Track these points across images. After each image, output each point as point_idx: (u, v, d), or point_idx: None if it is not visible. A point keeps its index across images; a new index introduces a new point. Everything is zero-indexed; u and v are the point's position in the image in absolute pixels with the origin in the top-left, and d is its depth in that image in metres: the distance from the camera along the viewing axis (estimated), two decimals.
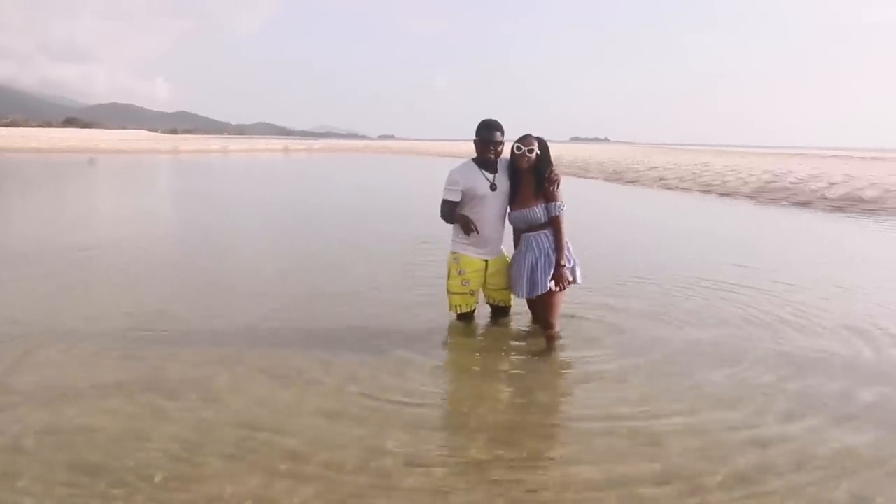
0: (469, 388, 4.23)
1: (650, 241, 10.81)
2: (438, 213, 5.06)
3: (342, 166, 38.61)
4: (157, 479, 2.93)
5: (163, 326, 5.25)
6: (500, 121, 4.93)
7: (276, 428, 3.46)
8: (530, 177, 4.81)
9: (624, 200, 19.62)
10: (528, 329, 5.23)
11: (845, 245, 10.99)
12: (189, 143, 71.58)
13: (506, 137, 4.98)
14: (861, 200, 16.89)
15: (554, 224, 4.75)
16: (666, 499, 2.83)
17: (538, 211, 4.75)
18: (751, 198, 18.83)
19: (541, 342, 4.88)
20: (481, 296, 5.27)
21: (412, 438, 3.37)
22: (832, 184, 20.53)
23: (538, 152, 4.76)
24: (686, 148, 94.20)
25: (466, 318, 5.22)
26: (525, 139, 4.79)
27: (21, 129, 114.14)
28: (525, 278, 4.81)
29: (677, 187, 22.53)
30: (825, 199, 17.63)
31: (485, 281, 5.11)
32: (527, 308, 5.26)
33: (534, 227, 4.81)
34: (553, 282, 4.69)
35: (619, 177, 27.76)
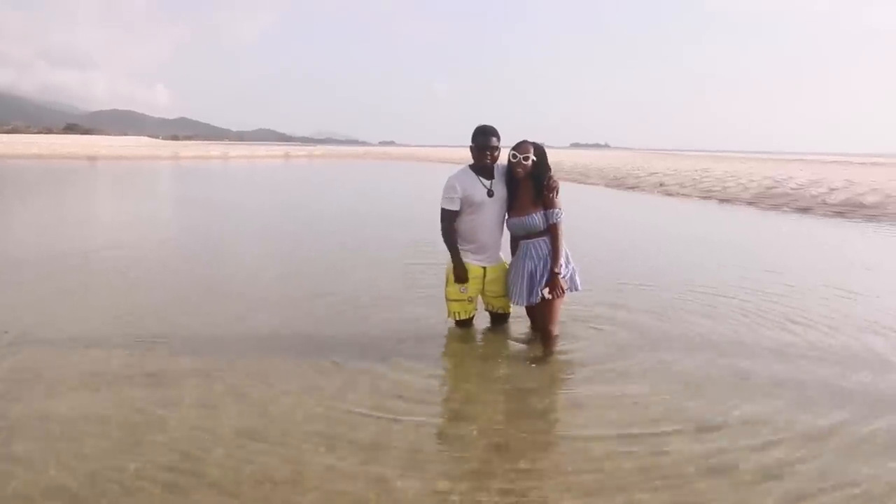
0: (467, 395, 4.21)
1: (651, 246, 10.81)
2: (438, 219, 5.02)
3: (342, 172, 38.65)
4: (154, 486, 2.91)
5: (161, 331, 5.24)
6: (495, 126, 4.92)
7: (273, 435, 3.45)
8: (528, 184, 4.79)
9: (625, 206, 19.61)
10: (526, 336, 5.21)
11: (847, 250, 10.97)
12: (189, 149, 71.66)
13: (505, 143, 4.97)
14: (862, 206, 16.88)
15: (552, 231, 4.74)
16: None
17: (536, 218, 4.74)
18: (751, 204, 18.83)
19: (539, 349, 4.87)
20: (480, 303, 5.26)
21: (411, 446, 3.36)
22: (833, 189, 20.53)
23: (534, 159, 4.74)
24: (686, 154, 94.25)
25: (465, 324, 5.21)
26: (520, 146, 4.77)
27: (22, 135, 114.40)
28: (524, 285, 4.80)
29: (678, 193, 22.53)
30: (826, 204, 17.63)
31: (483, 288, 5.09)
32: (526, 315, 5.24)
33: (532, 234, 4.79)
34: (547, 289, 4.67)
35: (619, 183, 27.77)
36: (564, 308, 5.05)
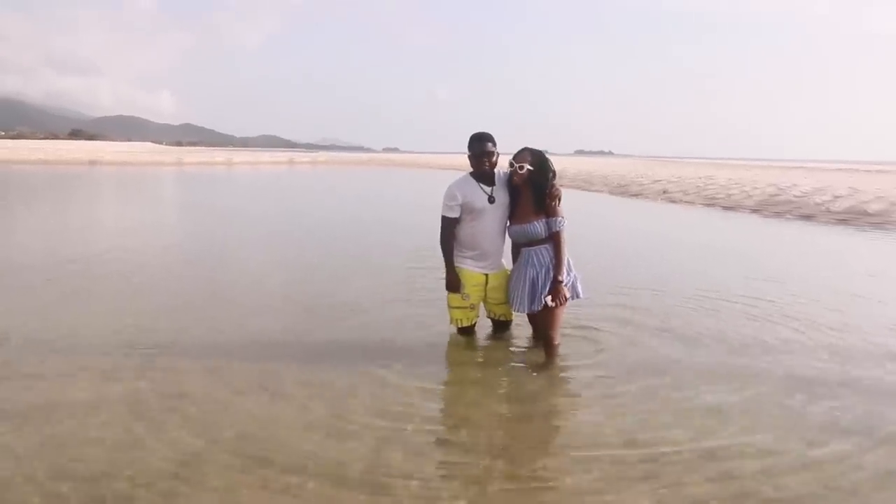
0: (469, 402, 4.21)
1: (655, 254, 10.80)
2: (439, 227, 5.03)
3: (346, 179, 38.71)
4: (155, 492, 2.92)
5: (164, 336, 5.25)
6: (492, 133, 4.92)
7: (275, 441, 3.45)
8: (528, 191, 4.79)
9: (629, 214, 19.59)
10: (528, 343, 5.21)
11: (850, 257, 10.95)
12: (194, 155, 71.87)
13: (507, 150, 4.97)
14: (866, 214, 16.84)
15: (555, 239, 4.73)
16: None
17: (538, 226, 4.73)
18: (755, 211, 18.80)
19: (541, 357, 4.86)
20: (483, 310, 5.25)
21: (412, 453, 3.36)
22: (837, 197, 20.48)
23: (530, 168, 4.73)
24: (689, 161, 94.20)
25: (467, 331, 5.20)
26: (518, 155, 4.77)
27: (28, 140, 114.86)
28: (525, 293, 4.79)
29: (681, 200, 22.51)
30: (830, 212, 17.59)
31: (485, 295, 5.09)
32: (528, 322, 5.24)
33: (534, 241, 4.79)
34: (549, 297, 4.67)
35: (623, 190, 27.76)
36: (566, 315, 5.04)
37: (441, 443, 3.59)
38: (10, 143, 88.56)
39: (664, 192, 25.44)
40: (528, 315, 5.04)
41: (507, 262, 5.16)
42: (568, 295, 4.74)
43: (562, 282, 4.66)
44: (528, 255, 4.81)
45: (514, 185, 4.85)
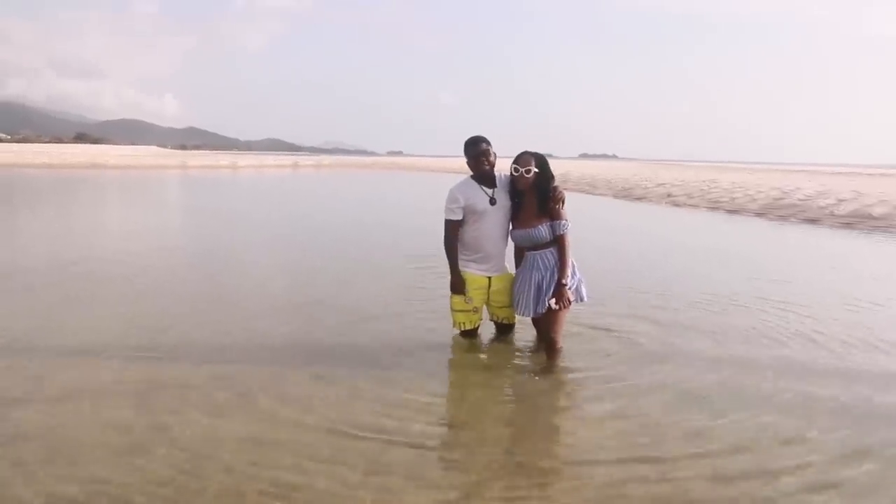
0: (472, 405, 4.20)
1: (659, 257, 10.77)
2: (443, 230, 5.03)
3: (350, 183, 38.77)
4: (159, 494, 2.92)
5: (167, 340, 5.26)
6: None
7: (279, 444, 3.45)
8: (532, 195, 4.79)
9: (633, 217, 19.57)
10: (532, 346, 5.21)
11: (855, 261, 10.92)
12: (198, 158, 72.03)
13: (511, 153, 4.98)
14: (870, 217, 16.81)
15: (560, 242, 4.72)
16: None
17: (543, 230, 4.72)
18: (759, 215, 18.77)
19: (544, 359, 4.85)
20: (486, 313, 5.25)
21: (415, 456, 3.35)
22: (841, 200, 20.45)
23: (536, 171, 4.73)
24: (692, 164, 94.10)
25: (470, 334, 5.20)
26: (521, 159, 4.76)
27: (33, 144, 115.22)
28: (531, 296, 4.77)
29: (685, 204, 22.49)
30: (834, 215, 17.56)
31: (488, 298, 5.09)
32: (531, 324, 5.23)
33: (539, 245, 4.78)
34: (553, 300, 4.66)
35: (627, 193, 27.74)
36: (570, 318, 5.03)
37: (443, 446, 3.58)
38: (14, 146, 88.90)
39: (668, 195, 25.42)
40: (532, 318, 5.03)
41: (509, 265, 5.16)
42: (572, 298, 4.74)
43: (566, 285, 4.65)
44: (534, 258, 4.81)
45: (518, 190, 4.84)
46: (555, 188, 4.76)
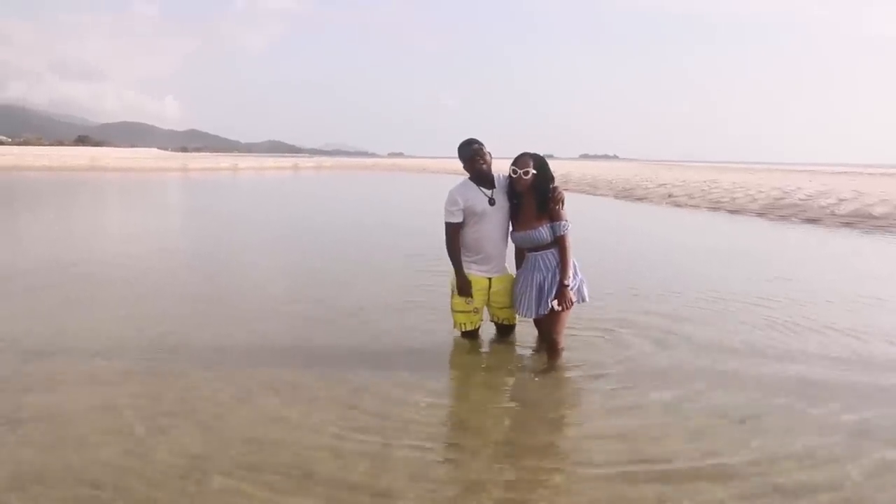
0: (473, 406, 4.21)
1: (660, 257, 10.77)
2: (442, 230, 5.02)
3: (351, 184, 38.77)
4: (163, 495, 2.91)
5: (168, 341, 5.26)
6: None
7: (281, 444, 3.45)
8: (531, 196, 4.77)
9: (634, 218, 19.56)
10: (533, 347, 5.20)
11: (857, 261, 10.91)
12: (199, 161, 72.03)
13: (510, 154, 4.97)
14: (871, 217, 16.79)
15: (561, 243, 4.71)
16: None
17: (543, 231, 4.71)
18: (760, 215, 18.76)
19: (545, 360, 4.84)
20: (486, 314, 5.24)
21: (416, 455, 3.35)
22: (841, 200, 20.42)
23: (534, 172, 4.71)
24: (693, 165, 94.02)
25: (471, 335, 5.20)
26: (519, 160, 4.74)
27: (34, 147, 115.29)
28: (532, 297, 4.76)
29: (686, 204, 22.47)
30: (835, 215, 17.54)
31: (489, 299, 5.08)
32: (532, 325, 5.22)
33: (540, 246, 4.77)
34: (556, 301, 4.65)
35: (628, 194, 27.73)
36: (572, 319, 5.02)
37: (445, 447, 3.57)
38: (15, 149, 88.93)
39: (669, 196, 25.41)
40: (534, 318, 5.02)
41: (509, 266, 5.15)
42: (574, 299, 4.73)
43: (568, 286, 4.64)
44: (535, 259, 4.79)
45: (517, 192, 4.83)
46: (554, 188, 4.75)
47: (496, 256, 5.02)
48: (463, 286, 4.96)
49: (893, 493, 3.04)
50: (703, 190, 26.73)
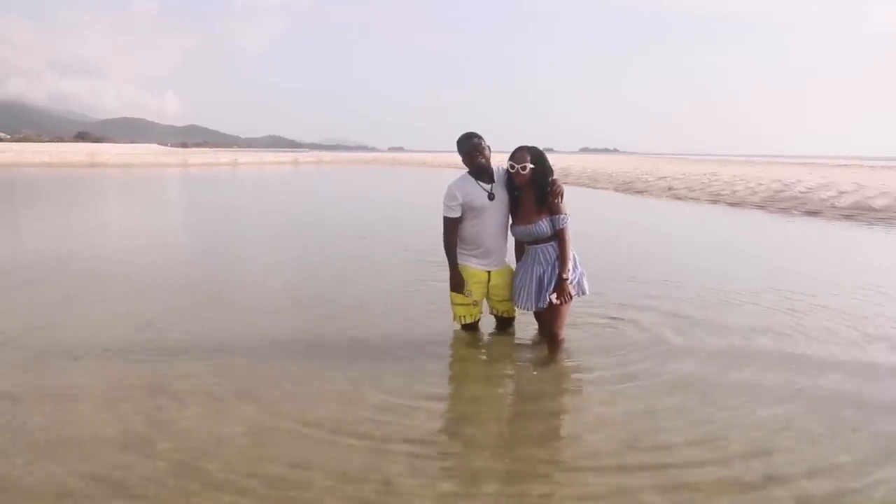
0: (473, 399, 4.20)
1: (659, 249, 10.77)
2: (441, 223, 5.01)
3: (350, 178, 38.74)
4: (162, 489, 2.92)
5: (168, 336, 5.27)
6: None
7: (280, 439, 3.45)
8: (530, 190, 4.76)
9: (634, 211, 19.52)
10: (533, 339, 5.20)
11: (857, 253, 10.90)
12: (199, 156, 71.98)
13: (510, 148, 4.95)
14: (871, 209, 16.77)
15: (560, 236, 4.70)
16: None
17: (543, 225, 4.70)
18: (760, 207, 18.74)
19: (545, 353, 4.85)
20: (486, 306, 5.24)
21: (416, 449, 3.36)
22: (841, 192, 20.41)
23: (532, 167, 4.69)
24: (693, 158, 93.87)
25: (471, 328, 5.20)
26: (517, 155, 4.72)
27: (34, 143, 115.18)
28: (532, 290, 4.76)
29: (686, 197, 22.45)
30: (835, 207, 17.53)
31: (488, 292, 5.08)
32: (533, 318, 5.22)
33: (540, 240, 4.77)
34: (554, 295, 4.65)
35: (628, 187, 27.71)
36: (572, 312, 5.02)
37: (445, 438, 3.58)
38: (15, 146, 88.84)
39: (669, 188, 25.39)
40: (534, 311, 5.02)
41: (509, 259, 5.14)
42: (573, 292, 4.73)
43: (567, 279, 4.64)
44: (535, 252, 4.79)
45: (516, 186, 4.82)
46: (553, 182, 4.73)
47: (496, 250, 5.01)
48: (456, 282, 4.95)
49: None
50: (703, 183, 26.71)
